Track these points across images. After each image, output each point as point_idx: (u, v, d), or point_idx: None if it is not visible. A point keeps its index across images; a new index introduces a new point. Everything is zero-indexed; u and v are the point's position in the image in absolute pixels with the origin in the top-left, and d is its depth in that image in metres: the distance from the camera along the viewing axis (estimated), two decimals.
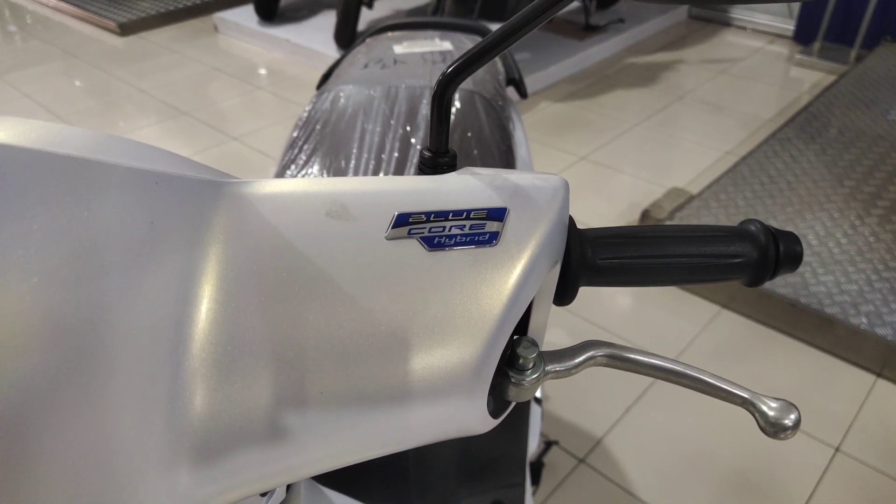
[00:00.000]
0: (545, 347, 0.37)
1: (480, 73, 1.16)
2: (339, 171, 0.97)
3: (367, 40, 1.30)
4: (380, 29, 1.32)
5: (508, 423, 1.02)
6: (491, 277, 0.31)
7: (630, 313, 1.94)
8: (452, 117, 1.04)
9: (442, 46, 1.25)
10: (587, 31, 3.64)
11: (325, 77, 1.24)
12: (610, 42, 3.58)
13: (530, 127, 2.88)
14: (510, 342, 0.35)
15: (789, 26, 3.71)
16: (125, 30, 3.98)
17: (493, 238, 0.32)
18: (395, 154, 0.99)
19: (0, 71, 3.59)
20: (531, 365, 0.35)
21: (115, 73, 3.52)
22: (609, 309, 1.95)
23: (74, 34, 4.08)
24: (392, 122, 1.03)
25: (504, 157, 1.03)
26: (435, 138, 0.37)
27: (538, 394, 1.20)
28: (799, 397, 1.65)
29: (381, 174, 0.96)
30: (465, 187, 0.33)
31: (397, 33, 1.31)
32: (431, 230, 0.31)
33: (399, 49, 1.23)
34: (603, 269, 0.38)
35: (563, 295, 0.38)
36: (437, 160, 0.38)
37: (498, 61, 1.29)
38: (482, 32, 1.38)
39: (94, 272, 0.25)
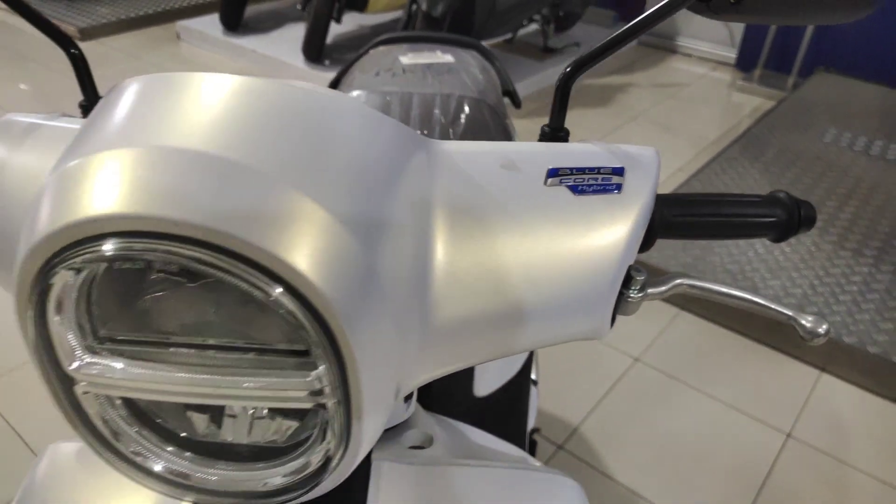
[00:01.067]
0: None
1: (484, 82, 1.26)
2: None
3: (372, 51, 1.38)
4: (384, 40, 1.41)
5: (510, 401, 1.11)
6: (619, 216, 0.40)
7: None
8: (462, 124, 1.13)
9: (444, 59, 1.34)
10: (545, 52, 3.82)
11: (335, 83, 1.31)
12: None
13: None
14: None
15: (731, 54, 3.98)
16: (85, 35, 3.93)
17: (618, 188, 0.42)
18: None
19: None
20: (639, 287, 0.44)
21: (74, 78, 3.47)
22: None
23: (29, 38, 4.00)
24: (409, 125, 1.12)
25: None
26: (555, 117, 0.47)
27: (534, 376, 1.29)
28: (752, 390, 1.80)
29: None
30: (590, 152, 0.43)
31: (402, 45, 1.40)
32: (575, 181, 0.41)
33: (405, 60, 1.31)
34: (674, 224, 0.47)
35: (645, 243, 0.48)
36: (557, 134, 0.47)
37: (494, 74, 1.40)
38: (476, 47, 1.49)
39: (372, 189, 0.33)
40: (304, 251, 0.28)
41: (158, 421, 0.36)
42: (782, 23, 0.45)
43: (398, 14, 4.19)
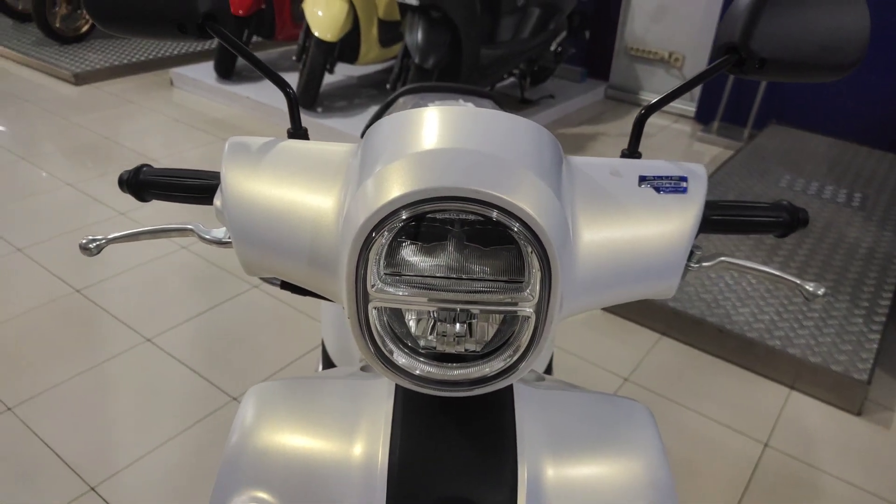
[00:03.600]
0: None
1: None
2: None
3: (401, 99, 1.58)
4: (411, 89, 1.60)
5: None
6: (688, 208, 0.59)
7: (583, 342, 2.24)
8: None
9: (465, 107, 1.54)
10: (522, 103, 4.09)
11: (368, 127, 1.49)
12: (542, 114, 4.03)
13: None
14: None
15: (691, 108, 4.32)
16: (80, 80, 4.05)
17: (685, 191, 0.60)
18: None
19: None
20: (697, 259, 0.62)
21: (73, 119, 3.58)
22: (568, 337, 2.25)
23: (24, 82, 4.10)
24: None
25: None
26: (632, 145, 0.65)
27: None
28: (730, 406, 1.99)
29: None
30: (663, 166, 0.62)
31: (427, 94, 1.60)
32: (659, 184, 0.59)
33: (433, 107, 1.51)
34: (710, 221, 0.65)
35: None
36: (630, 156, 0.66)
37: None
38: (490, 97, 1.70)
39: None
40: (534, 205, 0.46)
41: (406, 341, 0.53)
42: (792, 80, 0.64)
43: (386, 65, 4.43)
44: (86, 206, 2.74)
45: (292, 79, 4.05)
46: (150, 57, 4.41)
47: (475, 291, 0.50)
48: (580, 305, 0.55)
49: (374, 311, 0.50)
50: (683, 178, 0.61)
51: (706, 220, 0.65)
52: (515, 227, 0.46)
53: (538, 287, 0.48)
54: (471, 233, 0.50)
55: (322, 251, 0.53)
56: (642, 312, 2.33)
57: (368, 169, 0.50)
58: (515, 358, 0.51)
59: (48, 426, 1.75)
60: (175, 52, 4.55)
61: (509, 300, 0.49)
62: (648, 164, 0.62)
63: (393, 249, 0.50)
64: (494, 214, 0.46)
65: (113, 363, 1.98)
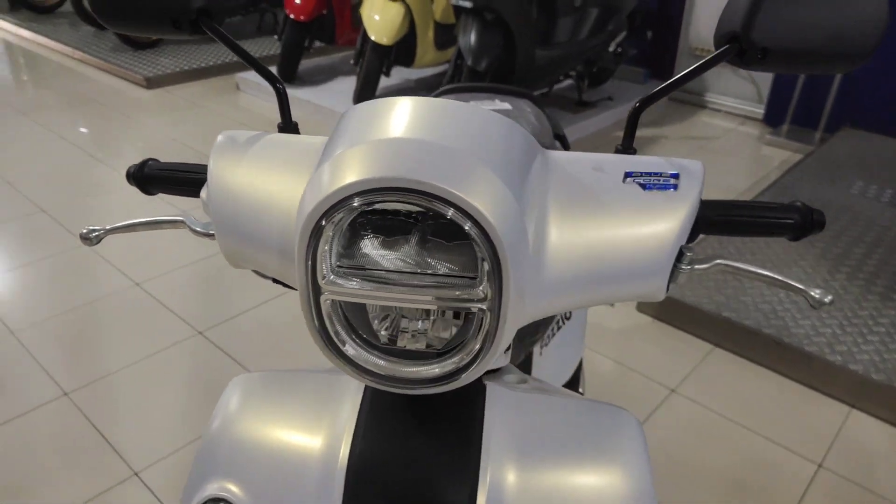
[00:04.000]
0: None
1: (537, 126, 1.43)
2: None
3: (442, 96, 1.58)
4: (448, 89, 1.60)
5: None
6: (676, 207, 0.55)
7: (628, 349, 2.18)
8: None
9: (503, 106, 1.53)
10: (580, 105, 4.03)
11: None
12: (600, 116, 3.96)
13: None
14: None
15: (759, 110, 4.14)
16: (151, 84, 4.25)
17: (674, 188, 0.57)
18: None
19: (26, 110, 3.80)
20: (688, 261, 0.58)
21: (145, 121, 3.76)
22: (611, 344, 2.19)
23: (102, 85, 4.33)
24: None
25: None
26: (626, 140, 0.63)
27: (581, 389, 1.42)
28: (784, 422, 1.89)
29: None
30: (654, 161, 0.59)
31: (465, 94, 1.59)
32: (646, 181, 0.56)
33: None
34: (715, 222, 0.62)
35: (692, 236, 0.62)
36: (627, 151, 0.63)
37: (546, 118, 1.58)
38: (528, 97, 1.67)
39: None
40: (485, 200, 0.44)
41: (360, 332, 0.52)
42: (797, 72, 0.60)
43: (441, 69, 4.45)
44: (152, 204, 2.87)
45: (351, 83, 4.13)
46: (218, 62, 4.57)
47: (426, 286, 0.49)
48: (553, 305, 0.53)
49: (328, 303, 0.49)
50: (674, 175, 0.58)
51: (708, 221, 0.62)
52: (467, 224, 0.45)
53: (489, 284, 0.47)
54: (436, 227, 0.49)
55: (290, 242, 0.53)
56: (694, 321, 2.24)
57: (327, 156, 0.49)
58: (469, 359, 0.49)
59: (100, 412, 1.83)
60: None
61: (462, 297, 0.48)
62: (637, 160, 0.59)
63: (355, 241, 0.49)
64: (450, 213, 0.44)
65: (165, 354, 2.06)
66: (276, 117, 3.89)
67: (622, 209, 0.55)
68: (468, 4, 3.12)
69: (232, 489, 0.54)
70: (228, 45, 0.61)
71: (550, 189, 0.54)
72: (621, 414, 0.61)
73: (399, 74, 4.36)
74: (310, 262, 0.47)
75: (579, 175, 0.56)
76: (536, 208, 0.51)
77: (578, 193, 0.54)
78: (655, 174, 0.58)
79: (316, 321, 0.49)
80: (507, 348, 0.64)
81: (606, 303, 0.56)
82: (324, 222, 0.46)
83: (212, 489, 0.55)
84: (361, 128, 0.48)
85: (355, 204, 0.45)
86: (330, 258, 0.48)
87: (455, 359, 0.50)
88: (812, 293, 0.58)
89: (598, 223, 0.54)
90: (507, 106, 1.53)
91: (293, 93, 3.99)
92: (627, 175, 0.57)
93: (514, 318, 0.49)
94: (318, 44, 4.80)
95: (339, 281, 0.48)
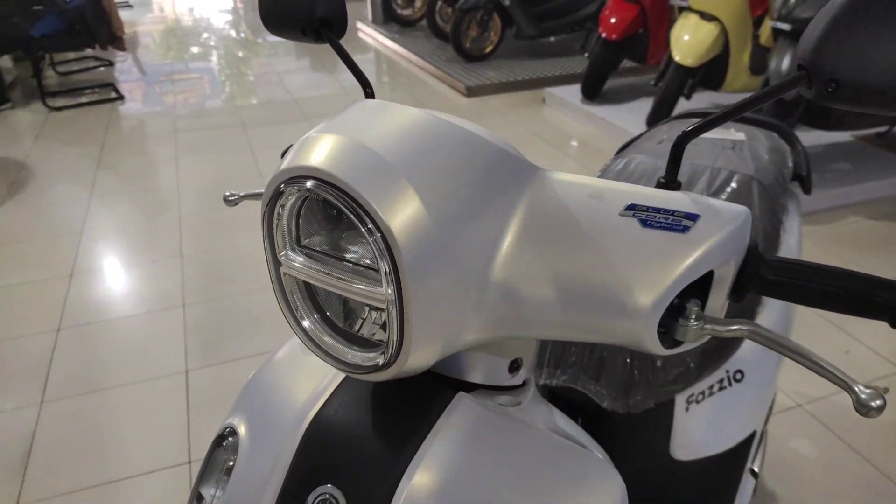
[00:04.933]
0: None
1: (767, 162, 1.28)
2: None
3: (671, 122, 1.50)
4: (684, 114, 1.51)
5: (712, 478, 1.10)
6: (678, 251, 0.49)
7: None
8: (726, 195, 1.18)
9: (735, 136, 1.39)
10: None
11: (625, 145, 1.47)
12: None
13: (830, 237, 2.75)
14: (683, 300, 0.53)
15: None
16: (470, 92, 4.70)
17: (685, 230, 0.50)
18: None
19: (310, 117, 4.51)
20: (693, 317, 0.51)
21: None
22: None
23: (432, 90, 4.94)
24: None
25: (768, 238, 1.14)
26: (669, 172, 0.57)
27: (755, 466, 1.24)
28: None
29: None
30: (675, 198, 0.53)
31: (697, 119, 1.49)
32: (647, 216, 0.51)
33: None
34: (772, 283, 0.53)
35: (736, 292, 0.54)
36: (668, 186, 0.57)
37: (788, 157, 1.39)
38: (783, 131, 1.49)
39: (463, 198, 0.50)
40: (396, 215, 0.46)
41: (325, 309, 0.57)
42: (874, 111, 0.48)
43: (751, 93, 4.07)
44: None
45: (650, 104, 4.03)
46: (531, 77, 4.85)
47: (341, 275, 0.51)
48: (514, 329, 0.52)
49: (287, 277, 0.54)
50: (691, 216, 0.51)
51: (764, 282, 0.53)
52: (366, 224, 0.47)
53: (386, 285, 0.48)
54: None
55: None
56: None
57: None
58: (388, 356, 0.51)
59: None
60: (552, 73, 4.91)
61: (364, 290, 0.50)
62: (650, 193, 0.53)
63: (316, 224, 0.54)
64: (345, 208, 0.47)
65: None
66: (568, 131, 4.00)
67: (607, 243, 0.50)
68: (786, 27, 2.82)
69: (239, 423, 0.66)
70: (337, 51, 0.71)
71: (529, 210, 0.52)
72: (602, 466, 0.56)
73: (701, 98, 4.11)
74: (269, 232, 0.53)
75: (571, 200, 0.52)
76: (505, 227, 0.51)
77: (560, 218, 0.51)
78: (665, 211, 0.51)
79: (278, 291, 0.56)
80: (517, 368, 0.62)
81: (589, 340, 0.53)
82: (274, 203, 0.51)
83: (231, 420, 0.67)
84: (334, 120, 0.53)
85: (281, 188, 0.51)
86: (288, 235, 0.54)
87: (376, 353, 0.52)
88: (859, 392, 0.47)
89: (574, 253, 0.50)
90: (739, 136, 1.40)
91: (592, 109, 4.04)
92: (629, 207, 0.52)
93: (439, 328, 0.49)
94: (627, 63, 4.78)
95: (292, 257, 0.53)
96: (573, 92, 4.35)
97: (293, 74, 5.59)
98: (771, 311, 1.16)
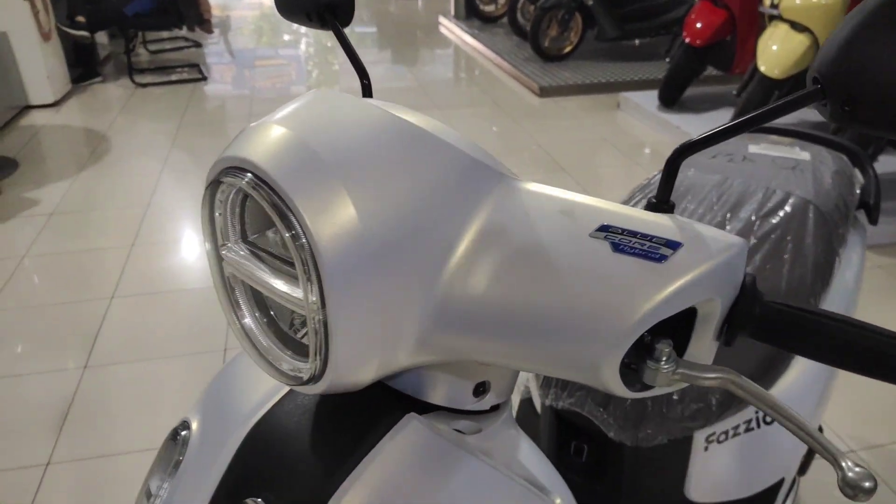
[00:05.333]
0: None
1: (826, 186, 1.17)
2: None
3: (733, 139, 1.39)
4: (763, 127, 1.40)
5: None
6: (648, 282, 0.43)
7: None
8: (772, 221, 1.08)
9: (799, 155, 1.28)
10: None
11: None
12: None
13: None
14: (655, 338, 0.46)
15: None
16: (543, 93, 4.60)
17: (662, 259, 0.44)
18: None
19: (441, 105, 4.49)
20: (664, 358, 0.45)
21: (522, 124, 4.11)
22: None
23: (505, 88, 4.87)
24: (714, 208, 1.12)
25: (819, 269, 1.04)
26: (661, 190, 0.50)
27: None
28: None
29: None
30: (657, 222, 0.46)
31: (760, 134, 1.37)
32: (620, 240, 0.45)
33: (754, 148, 1.29)
34: (770, 331, 0.45)
35: (726, 335, 0.47)
36: (659, 207, 0.50)
37: (856, 182, 1.27)
38: (853, 154, 1.36)
39: (421, 203, 0.44)
40: (323, 220, 0.41)
41: (271, 309, 0.53)
42: (892, 135, 0.40)
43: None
44: None
45: (729, 114, 3.82)
46: (608, 80, 4.70)
47: (263, 275, 0.47)
48: (458, 350, 0.46)
49: (229, 271, 0.51)
50: (672, 245, 0.44)
51: (753, 324, 0.46)
52: (288, 233, 0.42)
53: (308, 293, 0.43)
54: None
55: None
56: None
57: None
58: (314, 368, 0.46)
59: None
60: (629, 77, 4.75)
61: (285, 294, 0.45)
62: (629, 214, 0.46)
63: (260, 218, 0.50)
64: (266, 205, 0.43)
65: None
66: (640, 138, 3.85)
67: (571, 266, 0.44)
68: None
69: (194, 419, 0.64)
70: (339, 38, 0.67)
71: (488, 223, 0.46)
72: None
73: (788, 116, 3.87)
74: (209, 220, 0.50)
75: (538, 215, 0.46)
76: (457, 239, 0.45)
77: (523, 235, 0.46)
78: (642, 236, 0.45)
79: (219, 284, 0.52)
80: (483, 392, 0.56)
81: (546, 372, 0.47)
82: (220, 183, 0.48)
83: (188, 415, 0.65)
84: (285, 109, 0.48)
85: (212, 178, 0.47)
86: (232, 229, 0.50)
87: (302, 366, 0.48)
88: (846, 469, 0.39)
89: (533, 274, 0.44)
90: (803, 156, 1.28)
91: (668, 117, 3.88)
92: (601, 228, 0.45)
93: (371, 344, 0.44)
94: (711, 71, 4.56)
95: (233, 252, 0.50)
96: (650, 98, 4.18)
97: (374, 66, 5.64)
98: (835, 295, 1.06)
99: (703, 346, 0.47)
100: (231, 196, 0.49)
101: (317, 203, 0.42)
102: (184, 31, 5.74)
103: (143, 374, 2.01)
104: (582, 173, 3.41)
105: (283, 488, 0.51)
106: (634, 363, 0.46)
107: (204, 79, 5.08)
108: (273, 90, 4.90)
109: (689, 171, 1.24)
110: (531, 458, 0.59)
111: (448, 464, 0.51)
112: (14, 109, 4.15)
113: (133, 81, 4.87)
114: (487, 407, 0.56)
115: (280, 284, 0.46)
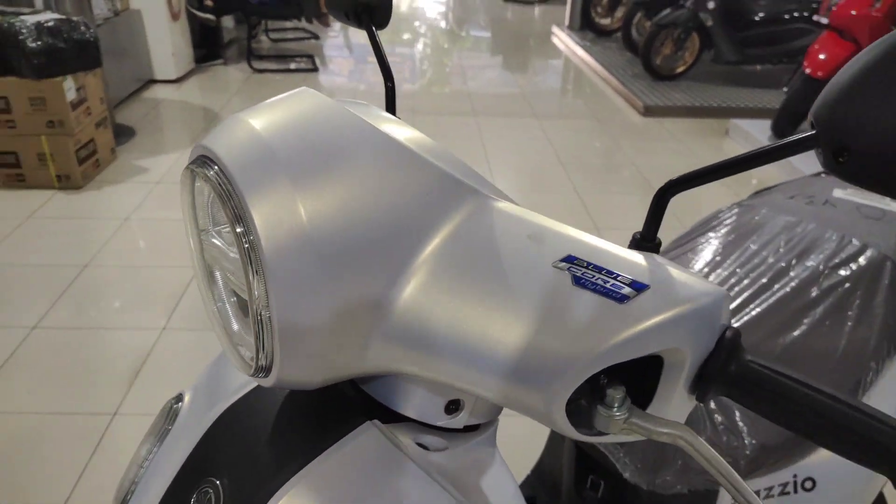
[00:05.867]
0: None
1: (892, 239, 1.07)
2: (710, 271, 1.05)
3: (809, 178, 1.30)
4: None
5: None
6: (603, 323, 0.40)
7: None
8: (842, 273, 1.00)
9: (890, 206, 1.17)
10: None
11: (760, 191, 1.29)
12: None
13: None
14: (611, 382, 0.43)
15: None
16: (648, 112, 4.46)
17: (624, 299, 0.41)
18: (763, 280, 1.01)
19: (540, 115, 4.45)
20: (615, 405, 0.42)
21: (622, 144, 4.00)
22: None
23: (608, 104, 4.76)
24: (780, 250, 1.05)
25: (887, 332, 0.95)
26: (647, 228, 0.47)
27: None
28: None
29: (744, 295, 1.00)
30: (632, 261, 0.43)
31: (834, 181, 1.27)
32: (583, 274, 0.42)
33: (839, 193, 1.20)
34: (737, 386, 0.41)
35: (698, 389, 0.43)
36: (642, 244, 0.47)
37: None
38: None
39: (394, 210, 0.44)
40: (265, 215, 0.41)
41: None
42: (888, 192, 0.36)
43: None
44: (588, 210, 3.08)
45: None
46: (718, 105, 4.50)
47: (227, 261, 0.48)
48: (399, 359, 0.45)
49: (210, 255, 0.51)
50: (638, 286, 0.41)
51: (730, 385, 0.42)
52: (238, 228, 0.43)
53: (251, 286, 0.43)
54: None
55: None
56: None
57: None
58: (259, 360, 0.45)
59: None
60: (742, 104, 4.53)
61: (236, 280, 0.46)
62: (600, 248, 0.44)
63: None
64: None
65: None
66: (756, 172, 3.65)
67: (529, 294, 0.42)
68: None
69: (187, 393, 0.65)
70: (370, 37, 0.70)
71: (453, 239, 0.45)
72: None
73: None
74: (189, 210, 0.51)
75: (505, 237, 0.45)
76: (416, 251, 0.44)
77: (486, 256, 0.44)
78: (608, 273, 0.42)
79: (200, 266, 0.53)
80: (456, 409, 0.54)
81: (496, 401, 0.43)
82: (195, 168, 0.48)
83: (187, 388, 0.67)
84: (265, 103, 0.49)
85: (188, 163, 0.48)
86: (207, 214, 0.51)
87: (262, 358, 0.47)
88: None
89: (490, 297, 0.43)
90: (874, 203, 1.18)
91: None
92: (567, 259, 0.43)
93: (313, 344, 0.43)
94: None
95: (207, 237, 0.51)
96: (762, 127, 3.97)
97: (482, 70, 5.68)
98: None
99: (672, 398, 0.44)
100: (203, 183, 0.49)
101: (265, 200, 0.42)
102: (303, 23, 5.99)
103: (215, 342, 2.10)
104: (677, 201, 3.27)
105: (237, 475, 0.52)
106: (588, 405, 0.43)
107: (315, 70, 5.28)
108: (376, 84, 5.02)
109: (761, 210, 1.17)
110: (498, 487, 0.56)
111: (395, 478, 0.50)
112: (139, 82, 4.47)
113: (250, 66, 5.13)
114: (461, 426, 0.54)
115: (241, 276, 0.47)
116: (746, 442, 0.84)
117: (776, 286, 1.03)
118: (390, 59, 5.57)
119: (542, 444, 1.18)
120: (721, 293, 0.42)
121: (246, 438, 0.53)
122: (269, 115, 0.47)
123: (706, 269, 1.09)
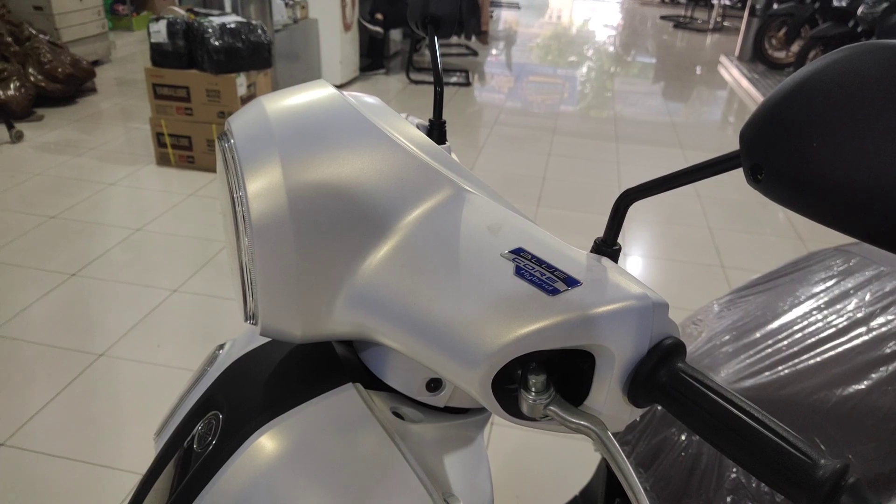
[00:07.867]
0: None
1: None
2: (764, 321, 1.01)
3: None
4: None
5: None
6: (528, 311, 0.43)
7: None
8: (884, 328, 0.93)
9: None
10: None
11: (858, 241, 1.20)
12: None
13: None
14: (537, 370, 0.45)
15: None
16: None
17: (555, 292, 0.43)
18: (837, 326, 0.95)
19: (686, 145, 4.28)
20: (535, 390, 0.44)
21: None
22: None
23: None
24: (865, 299, 0.99)
25: None
26: (607, 233, 0.49)
27: None
28: None
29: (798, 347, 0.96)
30: (576, 259, 0.46)
31: None
32: (525, 266, 0.45)
33: None
34: (665, 394, 0.42)
35: (633, 394, 0.44)
36: (602, 249, 0.49)
37: None
38: None
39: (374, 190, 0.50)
40: (255, 180, 0.48)
41: None
42: (813, 217, 0.36)
43: None
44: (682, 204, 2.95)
45: None
46: None
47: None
48: (360, 325, 0.50)
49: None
50: (570, 281, 0.43)
51: (662, 394, 0.42)
52: (238, 193, 0.49)
53: (242, 238, 0.49)
54: None
55: None
56: None
57: None
58: (247, 309, 0.52)
59: None
60: None
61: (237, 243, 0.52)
62: (549, 244, 0.46)
63: None
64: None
65: None
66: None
67: (474, 279, 0.45)
68: None
69: (229, 342, 0.73)
70: (429, 46, 0.75)
71: (422, 223, 0.49)
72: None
73: None
74: (224, 176, 0.57)
75: (467, 226, 0.48)
76: (387, 231, 0.49)
77: (446, 241, 0.48)
78: (548, 267, 0.44)
79: (232, 227, 0.61)
80: (439, 389, 0.58)
81: (441, 375, 0.48)
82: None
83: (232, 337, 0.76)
84: (286, 89, 0.56)
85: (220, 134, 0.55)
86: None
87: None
88: None
89: (442, 279, 0.47)
90: None
91: None
92: (515, 251, 0.46)
93: (290, 301, 0.49)
94: None
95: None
96: None
97: (640, 97, 5.57)
98: None
99: (604, 397, 0.45)
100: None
101: (258, 171, 0.50)
102: (464, 40, 6.21)
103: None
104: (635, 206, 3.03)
105: (233, 411, 0.59)
106: (516, 389, 0.46)
107: (468, 84, 5.46)
108: (534, 104, 5.09)
109: (857, 256, 1.09)
110: (466, 472, 0.59)
111: (359, 438, 0.54)
112: None
113: (408, 77, 5.41)
114: (441, 405, 0.58)
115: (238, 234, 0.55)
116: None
117: (849, 335, 0.97)
118: (548, 80, 5.59)
119: (540, 453, 1.17)
120: (656, 300, 0.44)
121: (248, 382, 0.61)
122: (280, 99, 0.56)
123: (786, 308, 1.04)
